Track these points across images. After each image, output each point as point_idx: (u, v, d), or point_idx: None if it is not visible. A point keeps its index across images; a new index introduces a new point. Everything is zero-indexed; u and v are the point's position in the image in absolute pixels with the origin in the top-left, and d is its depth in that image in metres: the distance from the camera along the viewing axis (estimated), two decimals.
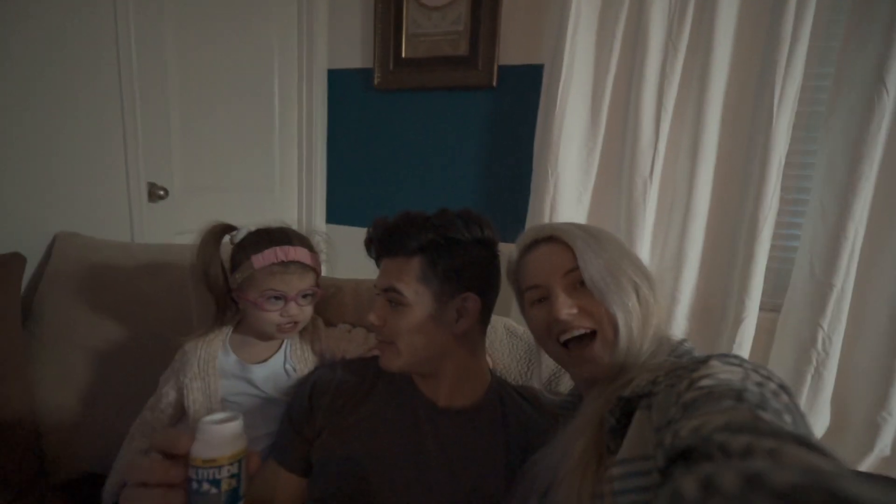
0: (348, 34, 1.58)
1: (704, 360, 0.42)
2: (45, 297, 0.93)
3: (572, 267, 0.55)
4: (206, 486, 0.39)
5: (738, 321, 1.14)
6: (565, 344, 0.55)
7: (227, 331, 0.78)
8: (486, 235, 0.66)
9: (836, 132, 1.05)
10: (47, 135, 0.99)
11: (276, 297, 0.72)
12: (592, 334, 0.53)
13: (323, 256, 0.81)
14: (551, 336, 0.56)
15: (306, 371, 0.78)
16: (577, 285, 0.55)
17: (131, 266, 0.98)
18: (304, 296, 0.75)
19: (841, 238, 1.04)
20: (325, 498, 0.60)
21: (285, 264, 0.71)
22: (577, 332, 0.54)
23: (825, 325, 1.07)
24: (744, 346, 1.15)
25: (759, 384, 0.37)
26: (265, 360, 0.77)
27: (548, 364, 0.78)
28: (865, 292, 1.08)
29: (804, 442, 0.25)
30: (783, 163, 1.09)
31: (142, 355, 0.90)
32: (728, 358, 0.41)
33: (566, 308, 0.53)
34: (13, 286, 0.87)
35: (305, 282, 0.74)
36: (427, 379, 0.67)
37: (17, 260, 0.88)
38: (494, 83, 1.42)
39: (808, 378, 1.10)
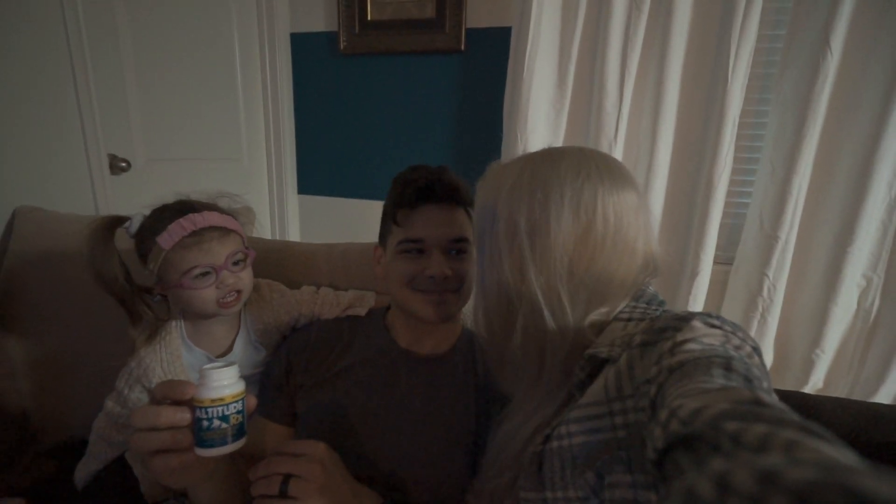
0: None
1: (686, 319, 0.41)
2: (10, 271, 0.92)
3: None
4: (216, 422, 0.43)
5: (693, 274, 1.23)
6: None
7: (178, 325, 0.72)
8: None
9: (786, 93, 1.11)
10: None
11: (204, 273, 0.65)
12: None
13: (241, 219, 0.73)
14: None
15: (273, 341, 0.77)
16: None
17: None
18: (235, 262, 0.68)
19: (786, 194, 1.12)
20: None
21: (197, 234, 0.64)
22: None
23: (770, 274, 1.17)
24: (699, 297, 1.24)
25: (738, 347, 0.39)
26: (232, 346, 0.74)
27: None
28: (806, 243, 1.17)
29: (816, 432, 0.24)
30: (737, 123, 1.14)
31: (115, 322, 0.90)
32: (709, 318, 0.41)
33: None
34: None
35: (228, 246, 0.67)
36: (418, 330, 0.70)
37: None
38: (462, 47, 1.41)
39: (755, 323, 1.20)
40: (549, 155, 0.51)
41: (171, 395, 0.44)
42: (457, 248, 0.65)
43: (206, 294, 0.66)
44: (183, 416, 0.43)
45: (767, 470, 0.19)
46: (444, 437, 0.64)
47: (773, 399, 0.30)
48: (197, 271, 0.64)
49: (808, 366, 1.18)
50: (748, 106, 1.18)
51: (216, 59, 1.44)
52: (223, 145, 1.52)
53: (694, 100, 1.21)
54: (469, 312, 0.84)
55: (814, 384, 1.19)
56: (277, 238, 1.63)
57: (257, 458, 0.54)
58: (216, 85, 1.46)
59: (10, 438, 0.83)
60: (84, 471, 0.77)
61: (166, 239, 0.63)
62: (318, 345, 0.71)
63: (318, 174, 1.69)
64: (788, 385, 1.20)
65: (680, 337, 0.39)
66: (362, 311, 0.80)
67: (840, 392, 1.18)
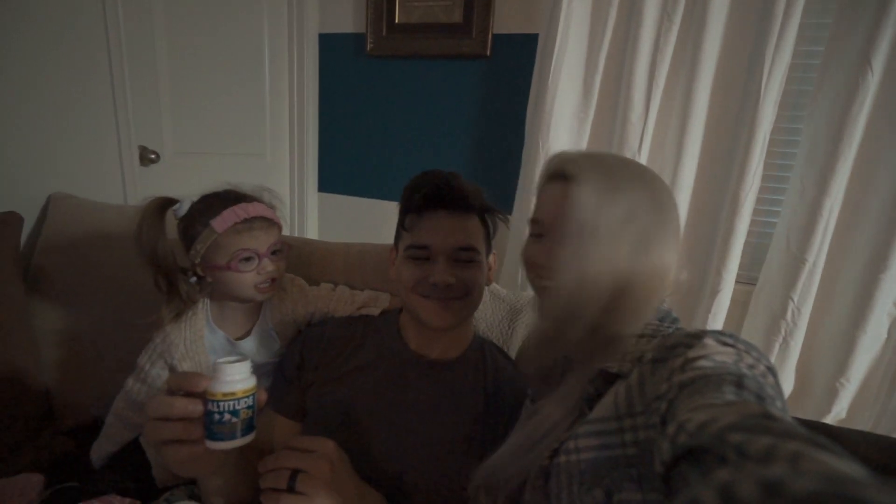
0: None
1: (698, 337, 0.41)
2: (43, 255, 0.95)
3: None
4: (227, 416, 0.44)
5: (714, 292, 1.19)
6: None
7: (204, 306, 0.76)
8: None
9: (822, 111, 1.07)
10: (37, 97, 0.99)
11: (248, 258, 0.70)
12: None
13: (279, 213, 0.78)
14: (532, 272, 0.55)
15: (289, 333, 0.80)
16: None
17: (126, 228, 0.99)
18: (274, 252, 0.73)
19: (817, 215, 1.08)
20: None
21: (248, 221, 0.69)
22: (545, 283, 0.52)
23: (795, 298, 1.13)
24: (718, 316, 1.21)
25: (751, 366, 0.38)
26: (250, 332, 0.78)
27: (527, 327, 0.82)
28: (836, 268, 1.13)
29: (823, 445, 0.23)
30: (768, 140, 1.11)
31: (137, 311, 0.93)
32: (722, 336, 0.41)
33: (540, 258, 0.52)
34: (12, 243, 0.89)
35: (271, 236, 0.73)
36: (426, 334, 0.69)
37: (14, 218, 0.90)
38: (488, 52, 1.40)
39: (777, 347, 1.16)
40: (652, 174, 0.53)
41: (186, 386, 0.45)
42: (464, 256, 0.64)
43: (247, 278, 0.70)
44: (195, 407, 0.44)
45: (772, 480, 0.19)
46: (450, 442, 0.64)
47: (785, 416, 0.30)
48: (243, 255, 0.69)
49: (832, 395, 1.13)
50: (780, 123, 1.14)
51: (246, 56, 1.48)
52: (248, 141, 1.55)
53: (723, 114, 1.18)
54: (480, 320, 0.85)
55: (836, 414, 1.14)
56: (296, 234, 1.65)
57: (266, 452, 0.55)
58: (244, 82, 1.49)
59: (33, 416, 0.87)
60: (99, 451, 0.80)
61: (220, 223, 0.67)
62: (330, 343, 0.72)
63: (338, 173, 1.71)
64: (809, 414, 1.16)
65: (692, 354, 0.39)
66: (375, 312, 0.80)
67: (864, 425, 1.13)
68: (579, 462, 0.44)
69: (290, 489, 0.49)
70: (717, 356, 0.38)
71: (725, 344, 0.40)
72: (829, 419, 1.14)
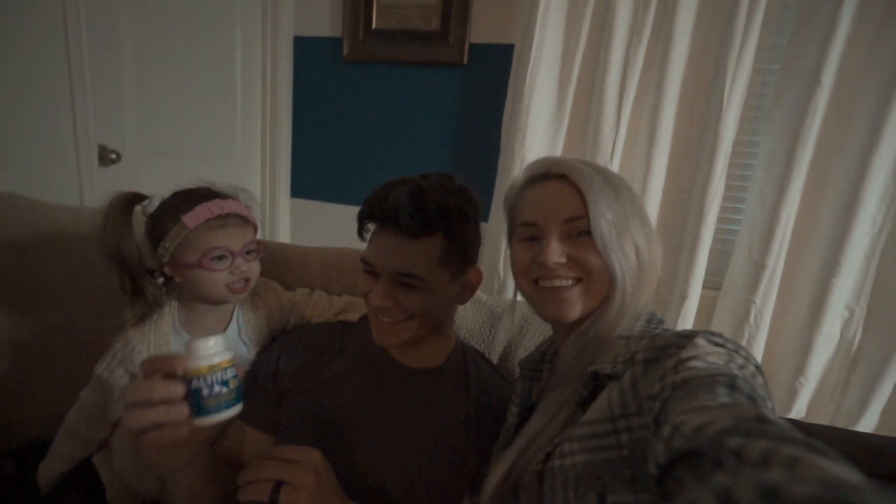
0: (317, 0, 1.53)
1: (690, 337, 0.41)
2: None
3: (576, 215, 0.50)
4: (217, 387, 0.43)
5: (683, 297, 1.24)
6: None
7: (171, 309, 0.72)
8: (479, 206, 0.66)
9: (778, 125, 1.14)
10: None
11: (221, 256, 0.66)
12: (576, 282, 0.51)
13: (255, 214, 0.75)
14: (528, 276, 0.54)
15: (262, 339, 0.77)
16: (575, 235, 0.51)
17: (81, 231, 0.93)
18: (248, 252, 0.70)
19: (775, 223, 1.15)
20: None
21: (222, 218, 0.66)
22: (558, 283, 0.51)
23: (757, 301, 1.18)
24: (687, 320, 1.26)
25: (741, 367, 0.39)
26: None
27: (508, 331, 0.82)
28: (793, 273, 1.19)
29: (820, 449, 0.24)
30: (729, 152, 1.17)
31: (91, 322, 0.87)
32: (713, 336, 0.41)
33: (555, 257, 0.50)
34: None
35: (246, 235, 0.70)
36: (404, 345, 0.66)
37: None
38: (465, 61, 1.42)
39: None
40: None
41: (163, 368, 0.42)
42: (404, 281, 0.59)
43: (219, 277, 0.67)
44: (178, 388, 0.42)
45: (769, 485, 0.19)
46: (432, 450, 0.62)
47: (777, 417, 0.30)
48: (216, 253, 0.66)
49: (792, 394, 1.19)
50: (741, 136, 1.21)
51: (217, 56, 1.43)
52: (218, 143, 1.50)
53: (689, 127, 1.23)
54: (461, 326, 0.84)
55: (797, 412, 1.20)
56: (266, 240, 1.60)
57: (236, 466, 0.52)
58: (215, 82, 1.44)
59: None
60: (47, 472, 0.74)
61: (192, 218, 0.64)
62: (308, 349, 0.69)
63: (312, 178, 1.67)
64: None
65: (684, 354, 0.39)
66: (354, 317, 0.78)
67: (822, 421, 1.19)
68: (574, 465, 0.43)
69: (272, 502, 0.46)
70: (709, 357, 0.39)
71: (716, 344, 0.41)
72: (791, 417, 1.20)
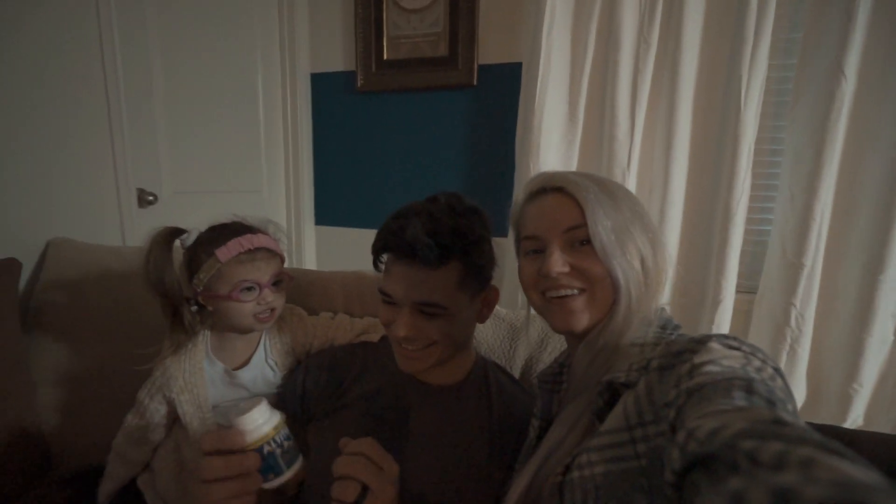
0: (330, 37, 1.61)
1: (703, 342, 0.41)
2: (41, 300, 0.95)
3: (575, 224, 0.51)
4: (285, 444, 0.46)
5: (715, 303, 1.19)
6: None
7: (204, 338, 0.77)
8: (489, 223, 0.67)
9: (802, 119, 1.10)
10: (38, 144, 1.01)
11: (249, 288, 0.71)
12: (581, 292, 0.51)
13: (282, 245, 0.79)
14: (537, 289, 0.54)
15: (287, 363, 0.79)
16: (577, 244, 0.51)
17: (123, 269, 0.99)
18: (275, 283, 0.74)
19: (809, 220, 1.09)
20: (320, 471, 0.62)
21: (252, 252, 0.71)
22: (563, 292, 0.51)
23: (798, 304, 1.12)
24: (722, 327, 1.20)
25: (759, 369, 0.38)
26: (248, 361, 0.77)
27: (528, 345, 0.81)
28: (834, 270, 1.13)
29: (836, 450, 0.23)
30: (752, 150, 1.13)
31: (135, 352, 0.92)
32: (727, 340, 0.41)
33: (558, 266, 0.50)
34: (11, 289, 0.89)
35: (273, 267, 0.74)
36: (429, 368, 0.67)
37: (13, 265, 0.90)
38: (475, 82, 1.45)
39: (784, 355, 1.15)
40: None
41: (223, 446, 0.45)
42: (427, 311, 0.60)
43: (247, 307, 0.71)
44: (254, 461, 0.45)
45: (783, 488, 0.19)
46: (456, 466, 0.62)
47: (797, 420, 0.29)
48: (244, 285, 0.70)
49: (846, 401, 1.11)
50: (763, 133, 1.17)
51: (241, 97, 1.53)
52: (245, 178, 1.58)
53: (707, 127, 1.21)
54: (482, 341, 0.84)
55: (853, 420, 1.12)
56: (291, 267, 1.66)
57: (278, 493, 0.53)
58: (240, 122, 1.53)
59: (31, 464, 0.84)
60: (104, 493, 0.80)
61: (224, 252, 0.69)
62: (332, 371, 0.71)
63: (334, 206, 1.73)
64: (824, 421, 1.13)
65: (698, 359, 0.38)
66: (375, 338, 0.80)
67: (884, 430, 1.10)
68: (593, 476, 0.43)
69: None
70: (724, 360, 0.38)
71: (731, 347, 0.40)
72: (847, 426, 1.11)
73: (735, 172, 1.14)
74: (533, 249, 0.55)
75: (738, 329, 1.23)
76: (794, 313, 1.13)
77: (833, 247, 1.12)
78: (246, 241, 0.70)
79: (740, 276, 1.20)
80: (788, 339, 1.14)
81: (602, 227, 0.50)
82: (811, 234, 1.09)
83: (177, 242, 0.73)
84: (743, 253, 1.19)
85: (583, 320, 0.51)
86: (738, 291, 1.20)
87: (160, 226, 0.73)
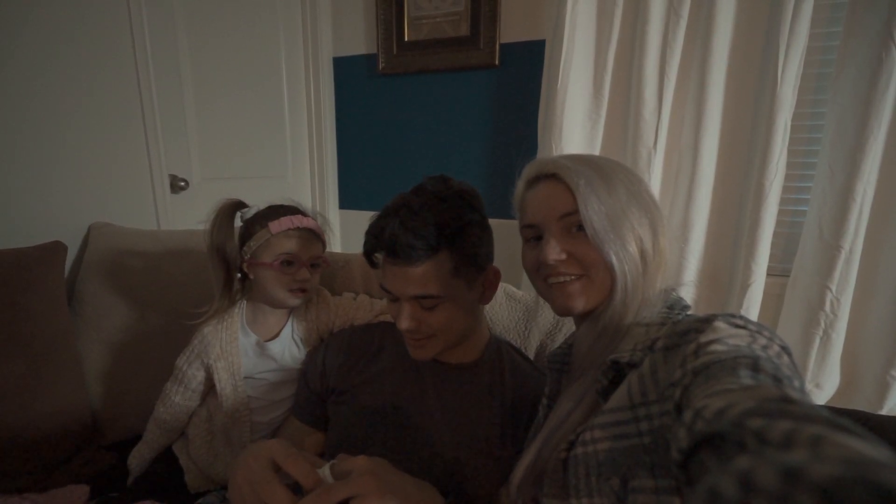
0: (352, 21, 1.61)
1: (709, 321, 0.40)
2: (85, 280, 1.02)
3: (569, 210, 0.51)
4: None
5: (745, 286, 1.15)
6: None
7: (240, 310, 0.82)
8: (481, 204, 0.67)
9: (845, 92, 1.04)
10: (79, 136, 1.07)
11: (289, 262, 0.76)
12: (579, 277, 0.52)
13: (327, 236, 0.86)
14: (538, 275, 0.55)
15: (311, 340, 0.84)
16: (573, 230, 0.52)
17: (160, 251, 1.05)
18: (313, 264, 0.79)
19: (849, 199, 1.04)
20: (337, 445, 0.66)
21: (299, 230, 0.77)
22: (562, 279, 0.52)
23: (833, 288, 1.07)
24: (751, 310, 1.16)
25: (765, 347, 0.37)
26: (278, 335, 0.83)
27: (542, 326, 0.82)
28: (875, 253, 1.07)
29: (845, 427, 0.23)
30: (789, 126, 1.08)
31: (173, 330, 0.98)
32: (733, 318, 0.40)
33: (554, 255, 0.51)
34: (58, 270, 0.95)
35: (315, 249, 0.80)
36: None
37: (59, 248, 0.97)
38: (497, 62, 1.43)
39: (817, 340, 1.11)
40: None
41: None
42: (426, 304, 0.61)
43: (282, 279, 0.76)
44: (337, 491, 0.43)
45: (791, 466, 0.19)
46: (469, 443, 0.64)
47: (804, 397, 0.29)
48: (285, 258, 0.76)
49: (883, 388, 1.06)
50: (801, 108, 1.11)
51: (265, 84, 1.55)
52: (270, 164, 1.62)
53: (740, 104, 1.15)
54: (497, 322, 0.84)
55: (890, 409, 1.07)
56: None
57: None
58: (264, 109, 1.56)
59: (79, 432, 0.92)
60: (139, 458, 0.86)
61: (276, 226, 0.75)
62: (351, 349, 0.74)
63: (358, 190, 1.76)
64: (860, 409, 1.09)
65: (704, 339, 0.38)
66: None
67: None
68: (596, 453, 0.43)
69: None
70: (730, 339, 0.38)
71: (737, 326, 0.39)
72: (884, 413, 1.07)
73: (769, 150, 1.08)
74: (533, 237, 0.56)
75: (767, 313, 1.19)
76: (829, 297, 1.08)
77: (874, 228, 1.06)
78: (297, 220, 0.77)
79: (772, 258, 1.16)
80: (822, 324, 1.10)
81: (595, 213, 0.49)
82: (851, 214, 1.04)
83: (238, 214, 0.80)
84: (776, 235, 1.14)
85: (580, 303, 0.52)
86: (769, 274, 1.16)
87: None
